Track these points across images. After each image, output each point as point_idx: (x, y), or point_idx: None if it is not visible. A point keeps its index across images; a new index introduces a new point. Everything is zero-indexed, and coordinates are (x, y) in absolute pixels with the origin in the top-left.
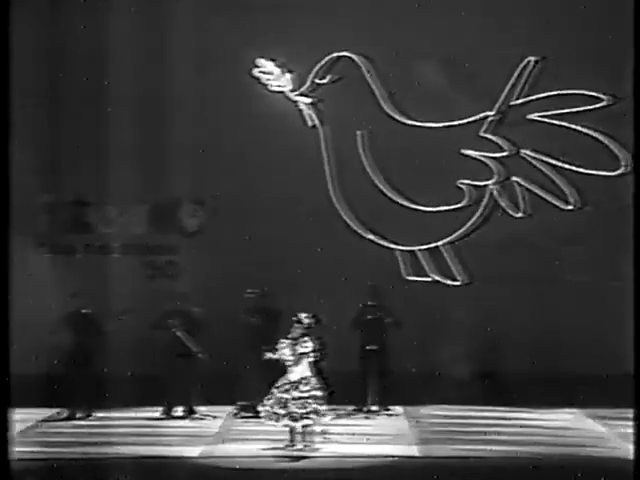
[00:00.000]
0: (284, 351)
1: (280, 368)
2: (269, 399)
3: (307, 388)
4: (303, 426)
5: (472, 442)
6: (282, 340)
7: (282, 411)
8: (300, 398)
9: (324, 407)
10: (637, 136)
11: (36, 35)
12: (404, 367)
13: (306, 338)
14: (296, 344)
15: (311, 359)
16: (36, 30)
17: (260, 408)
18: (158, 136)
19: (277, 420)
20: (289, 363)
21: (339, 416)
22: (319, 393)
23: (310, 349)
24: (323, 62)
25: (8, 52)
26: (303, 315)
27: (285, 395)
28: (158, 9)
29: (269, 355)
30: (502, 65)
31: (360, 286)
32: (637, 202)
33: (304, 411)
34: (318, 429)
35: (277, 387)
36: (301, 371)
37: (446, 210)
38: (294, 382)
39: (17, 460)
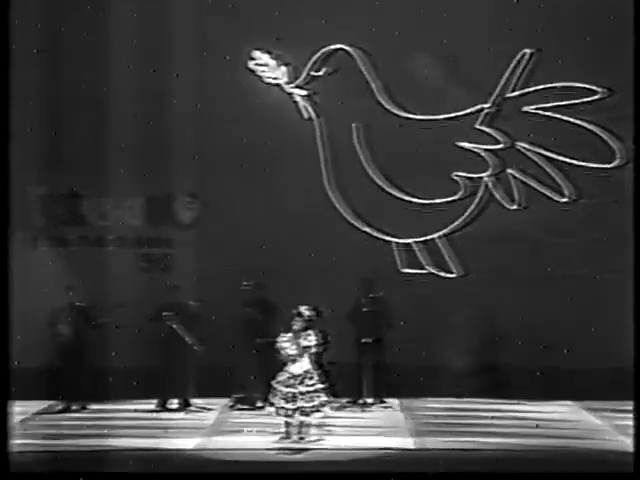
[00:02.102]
0: (286, 345)
1: (276, 360)
2: (274, 395)
3: (312, 382)
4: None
5: (468, 434)
6: (283, 334)
7: (291, 405)
8: (307, 392)
9: (329, 399)
10: (637, 129)
11: (34, 33)
12: (399, 359)
13: (309, 332)
14: (298, 337)
15: (314, 352)
16: (35, 28)
17: (265, 403)
18: (153, 129)
19: (286, 415)
20: (292, 357)
21: (335, 408)
22: (323, 386)
23: (314, 343)
24: (319, 54)
25: (8, 50)
26: (303, 307)
27: (292, 390)
28: (154, 3)
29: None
30: (498, 58)
31: (356, 278)
32: (637, 195)
33: (312, 404)
34: (315, 421)
35: (279, 382)
36: (303, 365)
37: (441, 202)
38: (297, 376)
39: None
